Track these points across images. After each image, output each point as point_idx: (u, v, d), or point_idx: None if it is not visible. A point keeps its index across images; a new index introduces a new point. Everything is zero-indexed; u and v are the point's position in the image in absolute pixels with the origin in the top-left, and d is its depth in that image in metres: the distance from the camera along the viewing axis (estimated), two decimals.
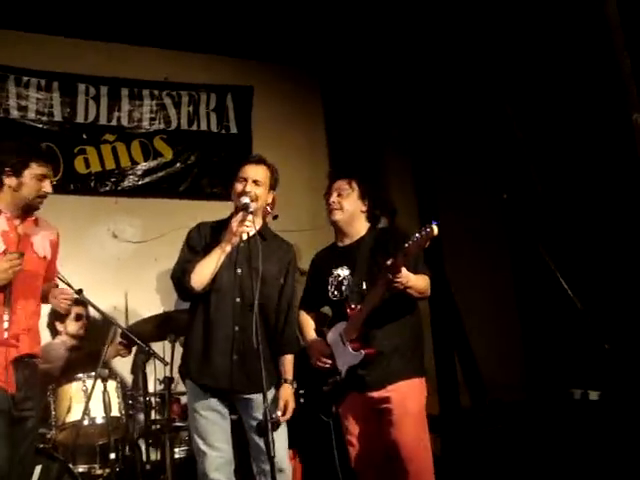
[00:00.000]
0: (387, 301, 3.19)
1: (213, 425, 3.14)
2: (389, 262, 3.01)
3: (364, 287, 3.24)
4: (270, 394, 3.10)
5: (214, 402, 3.15)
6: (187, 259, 3.20)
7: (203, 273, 3.10)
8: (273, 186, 3.35)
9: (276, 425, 2.90)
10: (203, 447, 3.12)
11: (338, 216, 3.41)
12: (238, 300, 3.15)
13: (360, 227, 3.43)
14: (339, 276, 3.39)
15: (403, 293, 3.14)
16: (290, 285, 3.31)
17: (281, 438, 3.13)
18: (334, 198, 3.43)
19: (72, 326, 4.40)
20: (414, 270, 3.19)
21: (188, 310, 3.34)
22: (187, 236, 3.32)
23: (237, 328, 3.12)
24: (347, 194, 3.41)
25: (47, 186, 2.98)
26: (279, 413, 3.10)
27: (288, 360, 3.25)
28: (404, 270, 3.02)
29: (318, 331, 3.50)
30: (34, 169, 2.92)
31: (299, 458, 4.12)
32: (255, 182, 3.24)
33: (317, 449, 3.67)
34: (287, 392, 3.18)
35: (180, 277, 3.14)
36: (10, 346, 2.84)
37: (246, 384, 3.07)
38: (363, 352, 3.14)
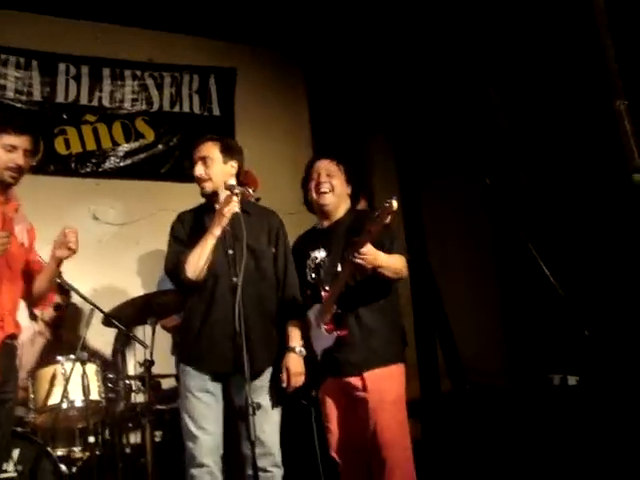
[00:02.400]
0: (362, 283, 3.17)
1: (207, 407, 3.11)
2: (353, 240, 2.98)
3: (339, 269, 3.18)
4: (268, 373, 3.15)
5: (211, 384, 3.14)
6: (177, 251, 3.18)
7: (197, 261, 3.07)
8: (229, 157, 3.29)
9: (257, 407, 2.88)
10: (194, 430, 3.08)
11: (329, 199, 3.34)
12: (235, 279, 3.10)
13: (342, 210, 3.40)
14: (316, 258, 3.36)
15: (377, 275, 3.11)
16: (282, 252, 3.29)
17: (271, 421, 3.13)
18: (324, 178, 3.33)
19: (49, 314, 4.33)
20: (389, 250, 3.16)
21: (178, 293, 3.33)
22: (171, 229, 3.30)
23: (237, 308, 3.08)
24: (337, 176, 3.35)
25: (18, 158, 2.86)
26: (283, 385, 3.11)
27: (292, 326, 3.24)
28: (371, 248, 2.96)
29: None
30: (4, 139, 2.82)
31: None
32: (202, 160, 3.25)
33: (298, 432, 3.68)
34: (290, 361, 3.15)
35: (175, 269, 3.12)
36: None
37: (251, 365, 2.98)
38: (335, 333, 3.11)
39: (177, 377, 3.55)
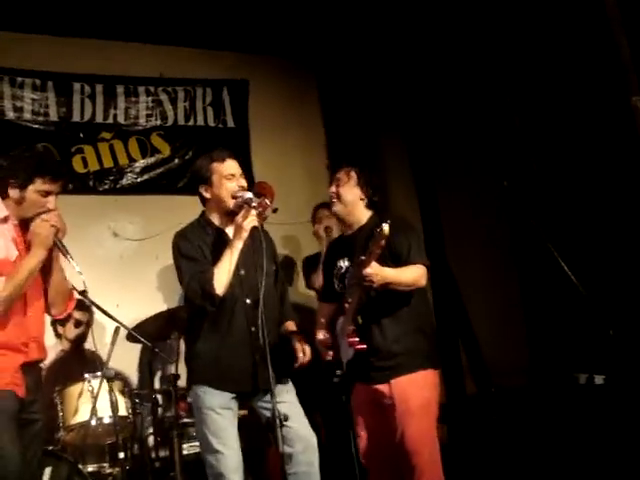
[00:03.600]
0: (383, 294, 3.17)
1: (228, 423, 3.12)
2: (359, 260, 3.00)
3: (350, 287, 3.21)
4: (284, 386, 3.18)
5: (231, 402, 3.15)
6: (197, 270, 3.12)
7: (223, 277, 3.06)
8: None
9: (285, 419, 2.90)
10: (219, 446, 3.06)
11: (337, 207, 3.40)
12: (248, 301, 3.14)
13: (361, 215, 3.39)
14: (342, 268, 3.39)
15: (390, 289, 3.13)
16: (278, 268, 3.38)
17: (298, 416, 3.17)
18: (332, 189, 3.42)
19: (70, 332, 4.39)
20: (406, 260, 3.18)
21: (190, 317, 3.30)
22: (177, 250, 3.22)
23: (253, 329, 3.09)
24: (344, 183, 3.38)
25: (50, 203, 2.89)
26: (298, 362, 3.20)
27: (289, 323, 3.34)
28: (376, 268, 2.98)
29: (332, 322, 3.45)
30: (38, 185, 2.85)
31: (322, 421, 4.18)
32: (241, 176, 3.25)
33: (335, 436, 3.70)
34: (296, 342, 3.24)
35: (203, 288, 3.06)
36: (20, 352, 2.84)
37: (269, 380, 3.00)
38: (355, 347, 3.10)
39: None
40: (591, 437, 3.80)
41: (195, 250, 3.19)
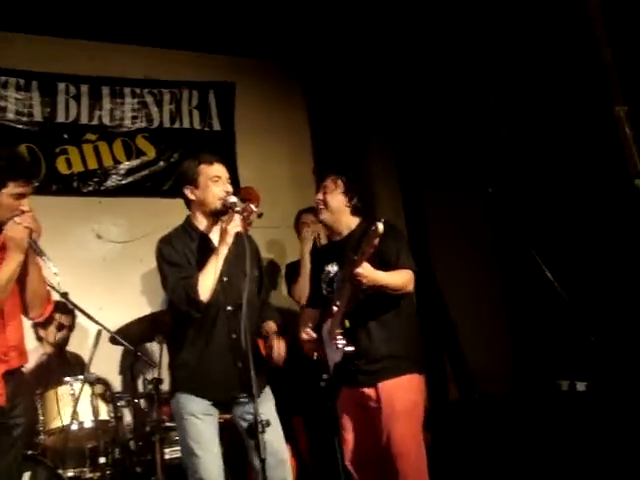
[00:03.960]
0: (371, 298, 3.18)
1: (210, 429, 3.11)
2: (351, 259, 3.01)
3: (341, 288, 3.22)
4: (264, 395, 3.16)
5: (211, 408, 3.14)
6: (181, 276, 3.10)
7: (207, 283, 3.04)
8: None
9: (267, 425, 2.89)
10: (199, 452, 3.06)
11: (323, 215, 3.43)
12: (229, 308, 3.13)
13: (349, 222, 3.41)
14: (329, 272, 3.41)
15: (380, 292, 3.14)
16: (262, 278, 3.36)
17: (278, 432, 3.15)
18: (319, 196, 3.44)
19: (52, 335, 4.34)
20: (395, 265, 3.19)
21: (174, 325, 3.27)
22: (160, 256, 3.19)
23: (234, 336, 3.09)
24: (331, 191, 3.40)
25: (24, 205, 2.82)
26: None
27: (269, 323, 3.31)
28: (367, 269, 3.01)
29: (318, 327, 3.46)
30: (11, 189, 2.78)
31: (304, 427, 4.18)
32: (228, 180, 3.23)
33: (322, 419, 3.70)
34: (272, 340, 3.22)
35: (188, 295, 3.04)
36: (0, 362, 2.80)
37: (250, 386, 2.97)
38: (343, 350, 3.12)
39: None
40: (573, 444, 3.82)
41: (179, 256, 3.17)
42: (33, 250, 2.85)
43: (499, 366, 4.72)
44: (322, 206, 3.42)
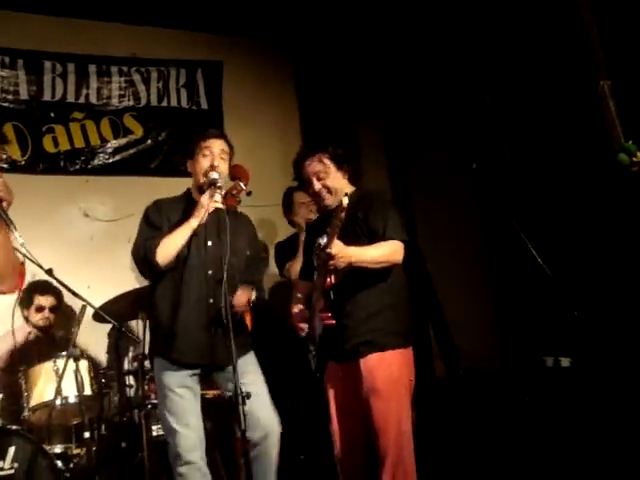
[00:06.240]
0: (356, 271, 3.09)
1: (187, 403, 3.12)
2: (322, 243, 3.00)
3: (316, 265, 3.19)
4: (244, 361, 3.13)
5: (188, 379, 3.15)
6: (148, 236, 3.17)
7: (169, 249, 3.08)
8: (232, 157, 3.38)
9: (247, 397, 2.88)
10: (176, 426, 3.08)
11: (328, 200, 3.28)
12: (210, 272, 3.15)
13: (343, 194, 3.28)
14: (320, 244, 3.29)
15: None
16: (256, 258, 3.39)
17: (265, 402, 3.16)
18: (317, 185, 3.27)
19: (33, 317, 4.33)
20: (382, 236, 3.12)
21: (150, 287, 3.31)
22: (145, 213, 3.30)
23: (211, 300, 3.11)
24: (325, 173, 3.27)
25: None
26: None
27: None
28: (340, 248, 2.92)
29: (309, 299, 3.37)
30: None
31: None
32: (221, 156, 3.23)
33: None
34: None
35: (145, 254, 3.10)
36: None
37: (227, 357, 2.98)
38: (323, 323, 3.08)
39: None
40: (558, 420, 3.84)
41: (160, 220, 3.22)
42: (2, 218, 2.79)
43: (486, 343, 4.73)
44: (326, 193, 3.28)
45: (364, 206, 3.20)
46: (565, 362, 3.94)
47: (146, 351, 3.85)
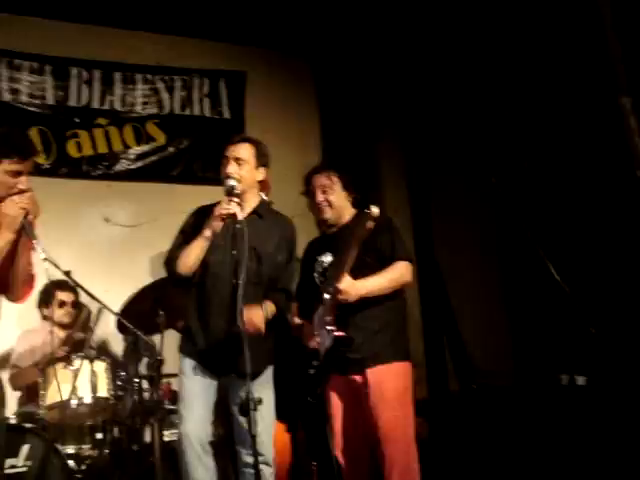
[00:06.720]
0: None
1: (195, 386, 3.17)
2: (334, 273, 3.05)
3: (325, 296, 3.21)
4: (266, 374, 3.20)
5: (199, 366, 3.19)
6: (178, 244, 3.25)
7: (187, 259, 3.15)
8: (261, 163, 3.32)
9: (259, 402, 2.88)
10: (182, 410, 3.17)
11: (328, 214, 3.42)
12: (238, 282, 3.14)
13: (347, 215, 3.45)
14: (323, 262, 3.41)
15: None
16: (289, 263, 3.34)
17: (266, 421, 3.11)
18: (320, 197, 3.42)
19: (56, 313, 4.36)
20: (390, 257, 3.22)
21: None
22: (185, 220, 3.37)
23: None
24: (331, 188, 3.41)
25: (22, 183, 2.79)
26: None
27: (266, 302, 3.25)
28: (348, 284, 3.04)
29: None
30: (6, 165, 2.75)
31: (287, 428, 4.18)
32: (237, 161, 3.23)
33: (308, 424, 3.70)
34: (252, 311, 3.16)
35: (169, 262, 3.20)
36: None
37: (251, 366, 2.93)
38: (333, 334, 3.11)
39: None
40: (572, 438, 3.80)
41: (191, 227, 3.27)
42: (25, 232, 2.78)
43: (499, 359, 4.71)
44: (327, 206, 3.41)
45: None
46: (581, 380, 3.91)
47: (163, 357, 3.89)
